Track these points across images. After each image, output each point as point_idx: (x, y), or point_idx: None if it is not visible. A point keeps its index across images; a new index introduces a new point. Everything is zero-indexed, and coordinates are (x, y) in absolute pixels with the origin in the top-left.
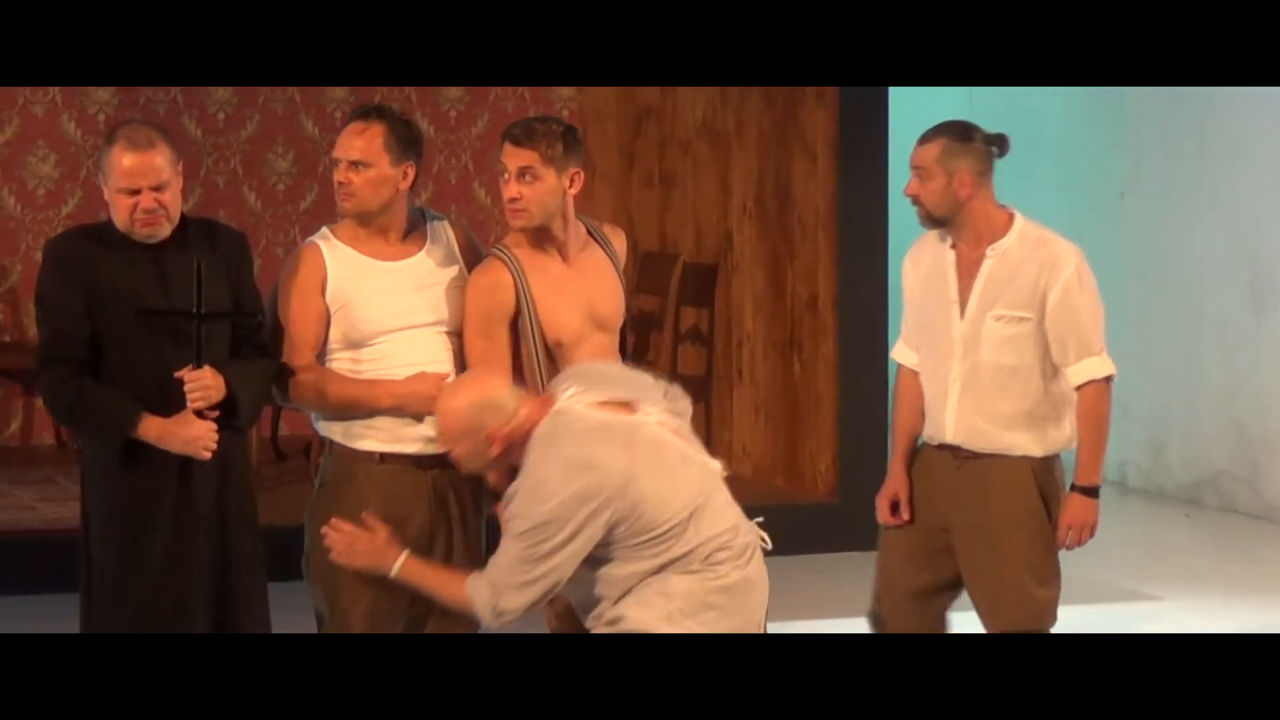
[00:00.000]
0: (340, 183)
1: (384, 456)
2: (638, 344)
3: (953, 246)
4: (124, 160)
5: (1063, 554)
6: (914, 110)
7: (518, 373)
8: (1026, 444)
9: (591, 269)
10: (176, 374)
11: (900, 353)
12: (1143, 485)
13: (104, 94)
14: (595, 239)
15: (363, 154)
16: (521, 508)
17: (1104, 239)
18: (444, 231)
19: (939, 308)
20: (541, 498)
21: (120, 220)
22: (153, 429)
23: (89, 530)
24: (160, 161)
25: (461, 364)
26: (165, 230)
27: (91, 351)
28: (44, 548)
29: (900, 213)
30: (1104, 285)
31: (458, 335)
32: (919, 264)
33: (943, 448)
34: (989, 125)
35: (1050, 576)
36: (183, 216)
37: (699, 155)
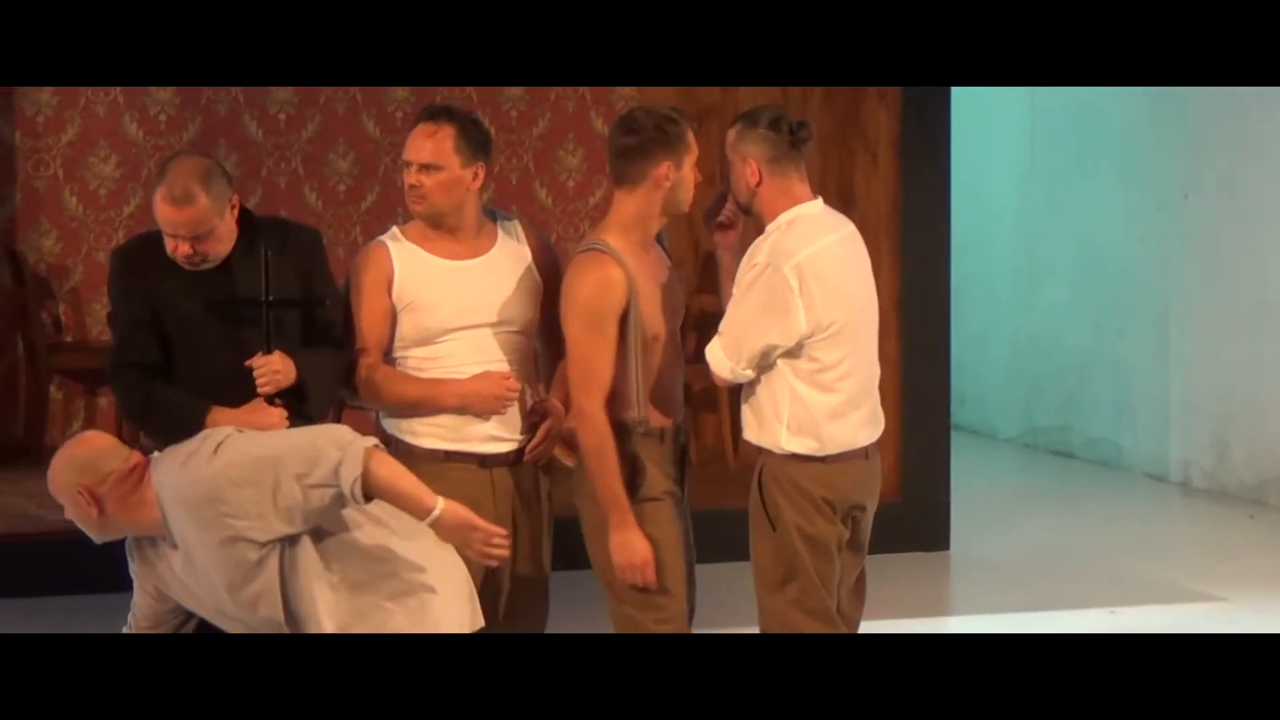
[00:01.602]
0: (411, 186)
1: (449, 454)
2: (699, 343)
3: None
4: (162, 209)
5: (1131, 553)
6: (975, 108)
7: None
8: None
9: (661, 267)
10: (246, 362)
11: None
12: (1206, 486)
13: (165, 94)
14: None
15: (433, 156)
16: None
17: (1168, 238)
18: (516, 231)
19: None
20: None
21: (167, 248)
22: (224, 419)
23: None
24: (196, 215)
25: (525, 362)
26: (208, 266)
27: (162, 353)
28: (107, 546)
29: (962, 212)
30: (1165, 287)
31: (524, 334)
32: None
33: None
34: (1050, 126)
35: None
36: (250, 216)
37: None
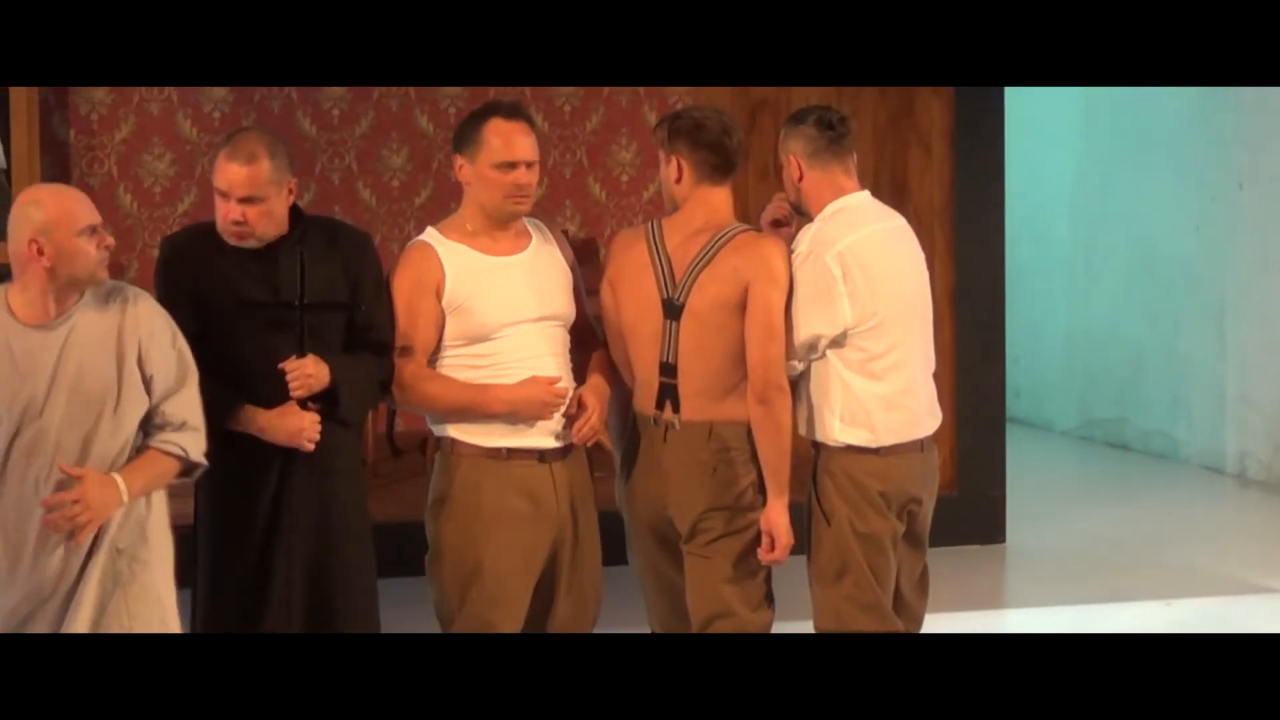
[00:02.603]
0: (522, 185)
1: (510, 451)
2: None
3: None
4: (223, 169)
5: (1187, 545)
6: (1030, 100)
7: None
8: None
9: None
10: (280, 365)
11: None
12: (1264, 477)
13: (219, 92)
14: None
15: (533, 154)
16: None
17: (1223, 230)
18: (542, 227)
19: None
20: None
21: (217, 223)
22: (255, 420)
23: (198, 522)
24: (252, 176)
25: (568, 356)
26: (251, 244)
27: (203, 348)
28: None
29: (1017, 204)
30: (1221, 279)
31: (566, 328)
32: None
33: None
34: (1104, 117)
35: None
36: (301, 215)
37: None
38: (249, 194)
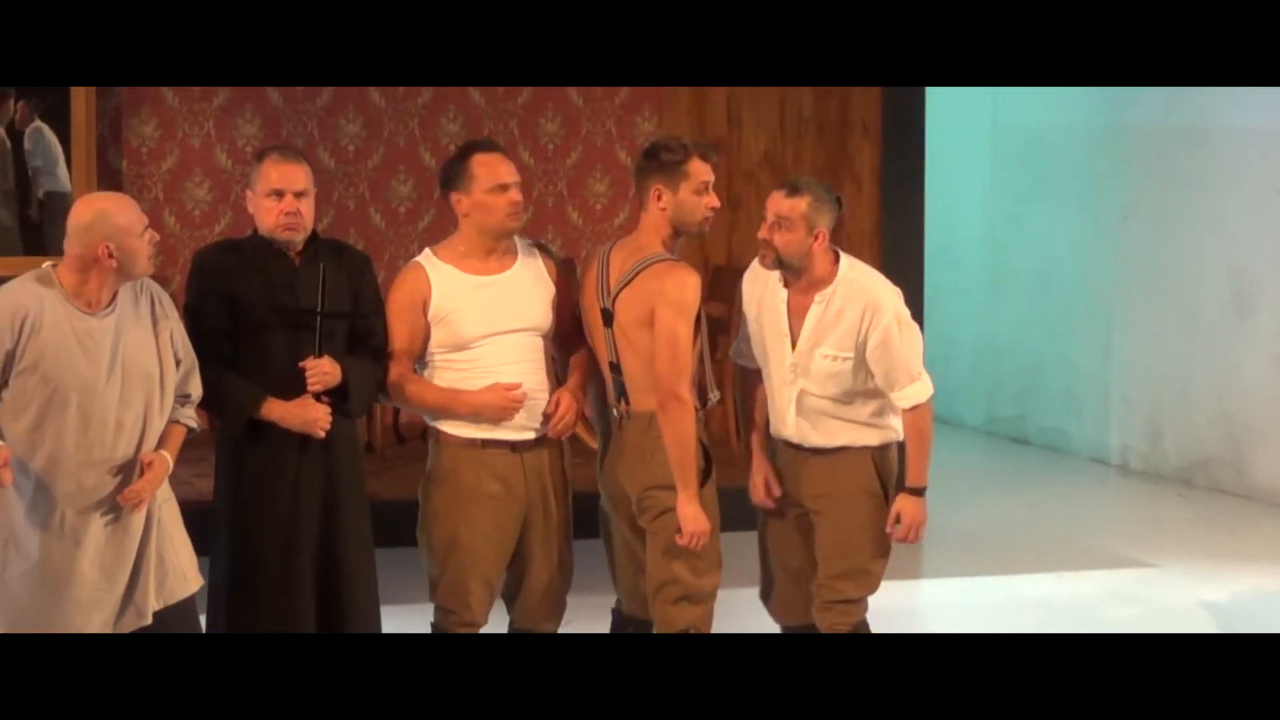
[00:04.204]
0: (515, 202)
1: (485, 442)
2: (711, 343)
3: (785, 285)
4: (274, 169)
5: (1077, 526)
6: (947, 143)
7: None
8: (864, 437)
9: None
10: (300, 363)
11: (740, 355)
12: (1142, 468)
13: (251, 128)
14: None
15: (517, 175)
16: None
17: (1109, 256)
18: (532, 250)
19: (774, 339)
20: None
21: (265, 223)
22: (276, 410)
23: (217, 499)
24: (301, 174)
25: (546, 361)
26: (300, 235)
27: (230, 346)
28: (197, 517)
29: (935, 232)
30: (1108, 297)
31: (544, 337)
32: (755, 286)
33: (789, 444)
34: (1010, 159)
35: (884, 550)
36: (315, 235)
37: (761, 183)
38: (303, 187)
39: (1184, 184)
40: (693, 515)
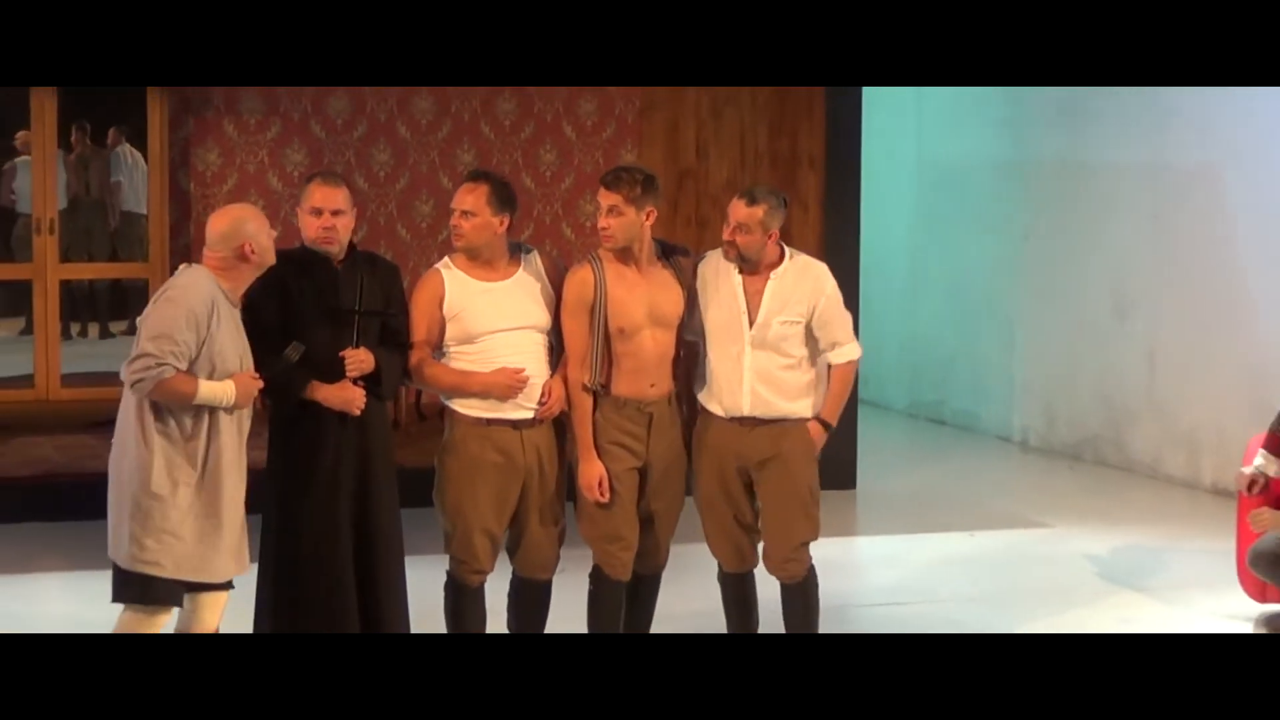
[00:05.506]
0: (454, 226)
1: (490, 421)
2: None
3: (740, 272)
4: (316, 191)
5: (985, 493)
6: (879, 174)
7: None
8: (804, 409)
9: (657, 279)
10: (340, 353)
11: (690, 330)
12: (1039, 445)
13: (298, 156)
14: (664, 259)
15: (471, 206)
16: None
17: (1012, 268)
18: (534, 261)
19: (730, 316)
20: None
21: (307, 235)
22: (320, 392)
23: (270, 465)
24: (339, 197)
25: (544, 353)
26: (334, 248)
27: (283, 338)
28: (251, 481)
29: (868, 248)
30: (1011, 302)
31: (542, 334)
32: (710, 271)
33: (735, 419)
34: (931, 187)
35: (819, 499)
36: (353, 246)
37: (723, 204)
38: (339, 207)
39: (1075, 210)
40: (586, 473)
